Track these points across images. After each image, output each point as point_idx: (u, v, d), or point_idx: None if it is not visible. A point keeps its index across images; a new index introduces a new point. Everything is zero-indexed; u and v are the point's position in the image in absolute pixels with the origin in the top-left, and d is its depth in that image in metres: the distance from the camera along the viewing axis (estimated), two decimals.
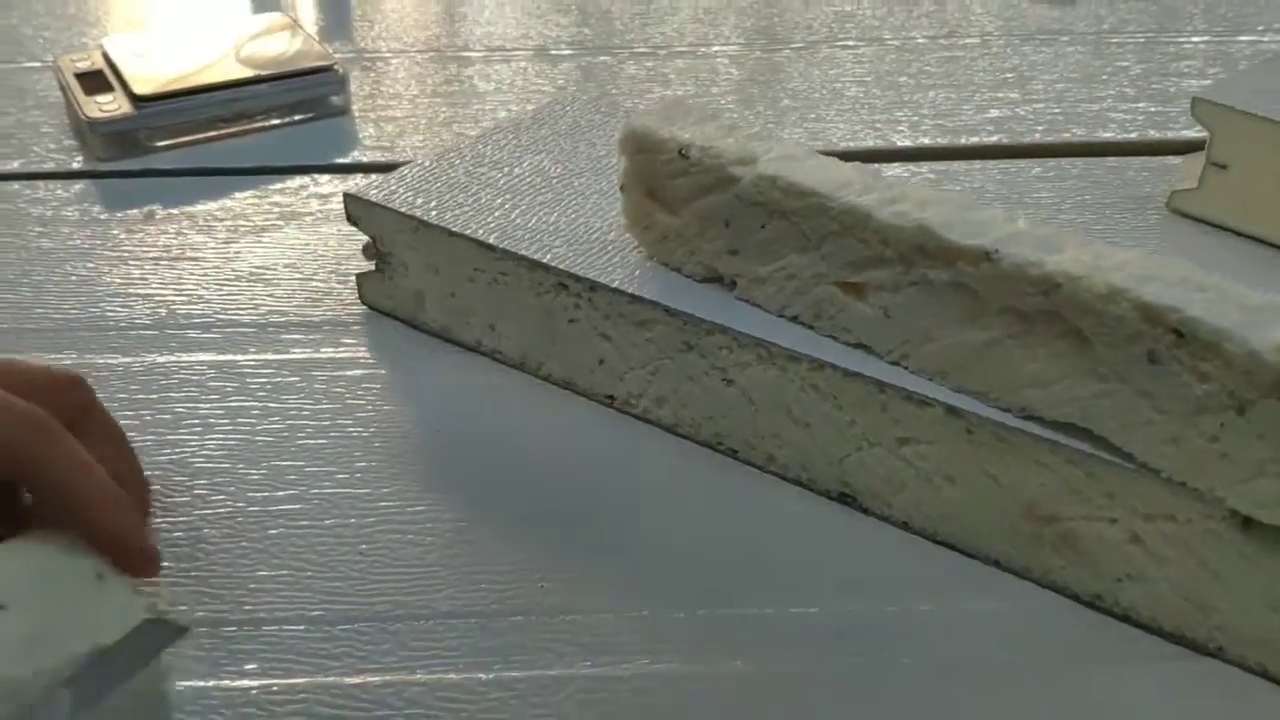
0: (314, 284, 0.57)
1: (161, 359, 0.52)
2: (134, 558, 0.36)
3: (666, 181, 0.46)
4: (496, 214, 0.51)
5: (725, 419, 0.46)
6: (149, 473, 0.45)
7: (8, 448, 0.35)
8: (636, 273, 0.48)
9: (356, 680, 0.37)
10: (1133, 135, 0.71)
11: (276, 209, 0.63)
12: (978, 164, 0.68)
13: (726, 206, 0.44)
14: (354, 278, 0.55)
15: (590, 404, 0.50)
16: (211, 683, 0.37)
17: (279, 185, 0.65)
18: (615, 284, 0.47)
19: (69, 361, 0.51)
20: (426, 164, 0.55)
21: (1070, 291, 0.37)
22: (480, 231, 0.50)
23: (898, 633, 0.39)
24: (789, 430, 0.44)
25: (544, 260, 0.48)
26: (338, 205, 0.63)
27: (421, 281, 0.53)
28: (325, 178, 0.66)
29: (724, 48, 0.82)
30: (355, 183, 0.54)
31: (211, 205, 0.63)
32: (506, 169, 0.55)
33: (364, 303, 0.56)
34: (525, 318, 0.50)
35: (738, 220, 0.44)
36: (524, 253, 0.49)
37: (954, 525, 0.42)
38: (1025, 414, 0.39)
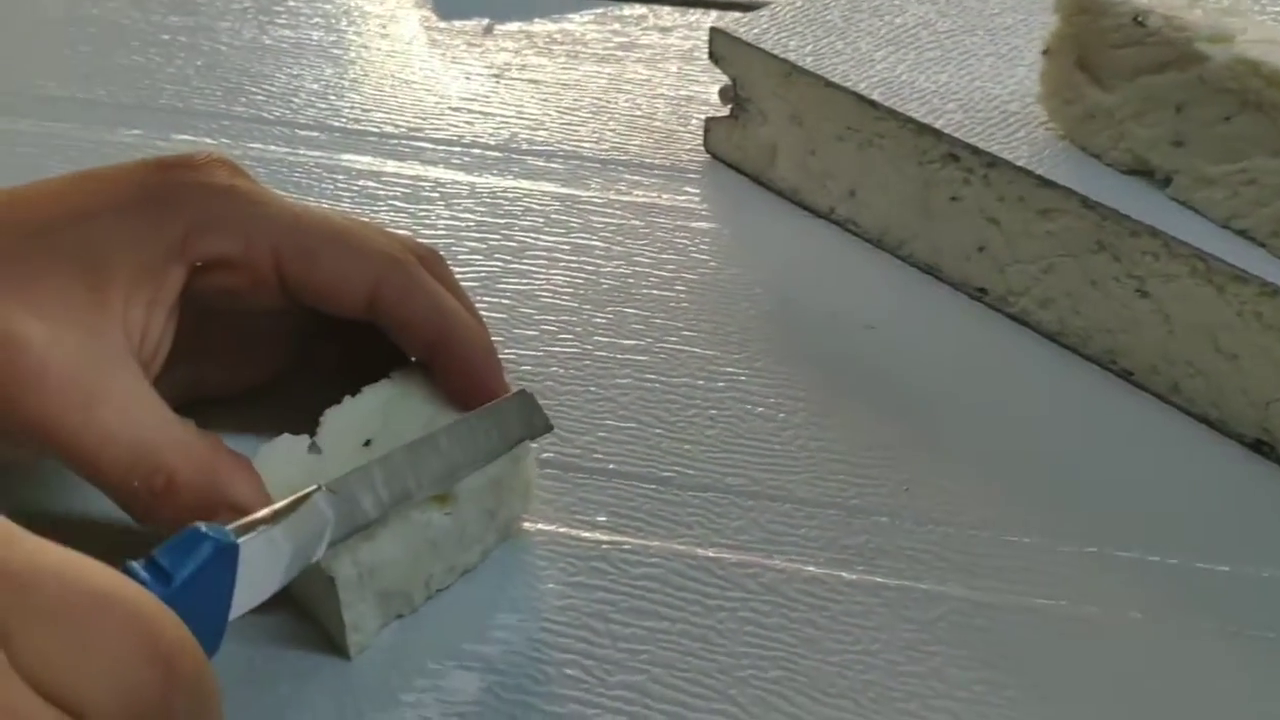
0: (655, 124, 0.54)
1: (505, 183, 0.50)
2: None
3: (1108, 51, 0.40)
4: (879, 67, 0.47)
5: (1128, 335, 0.41)
6: (495, 300, 0.44)
7: (365, 282, 0.33)
8: (1046, 152, 0.43)
9: (711, 553, 0.35)
10: None
11: (616, 38, 0.60)
12: None
13: (1184, 89, 0.38)
14: (698, 121, 0.52)
15: (955, 294, 0.46)
16: (563, 529, 0.36)
17: (618, 13, 0.62)
18: (1021, 162, 0.42)
19: (412, 172, 0.51)
20: (799, 4, 0.51)
21: None
22: (863, 85, 0.46)
23: None
24: (1209, 360, 0.39)
25: (935, 125, 0.44)
26: (678, 41, 0.60)
27: (780, 134, 0.49)
28: (665, 10, 0.63)
29: None
30: (698, 17, 0.51)
31: (550, 26, 0.61)
32: (888, 18, 0.50)
33: (708, 150, 0.53)
34: (897, 188, 0.46)
35: (1194, 107, 0.38)
36: (912, 114, 0.44)
37: None
38: None
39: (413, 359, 0.36)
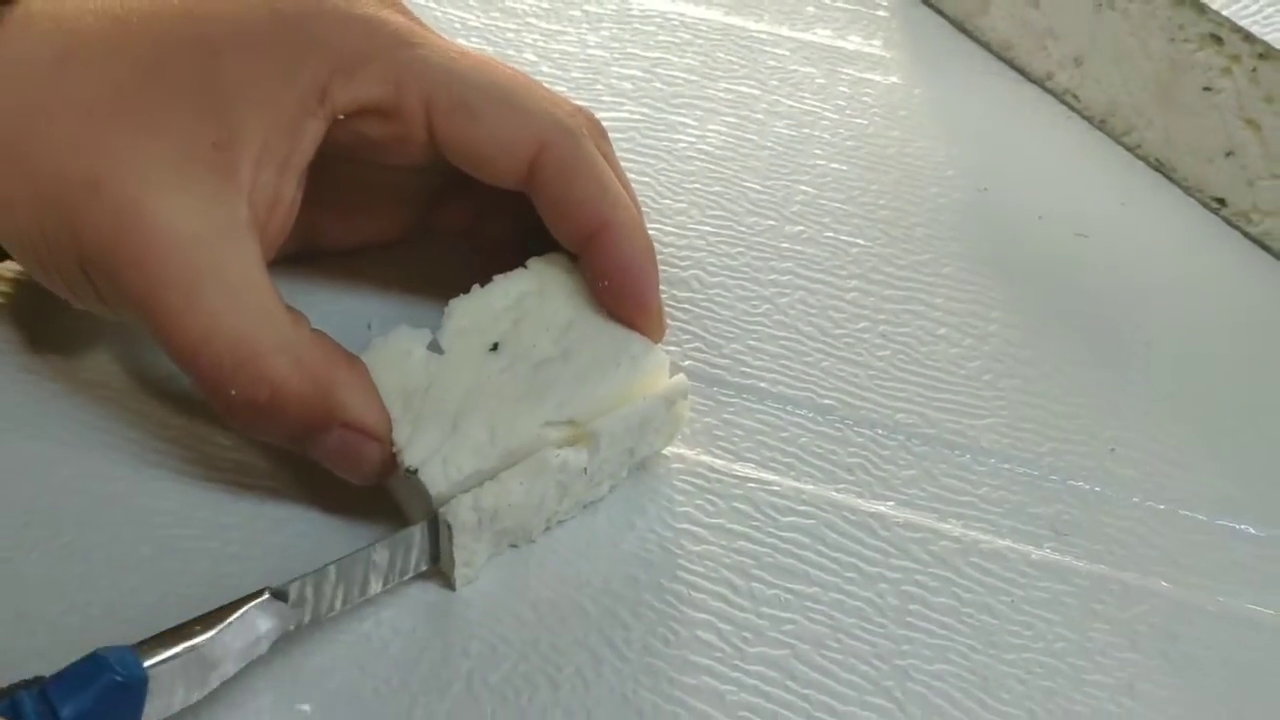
0: None
1: (661, 5, 0.45)
2: (650, 319, 0.31)
3: None
4: None
5: None
6: (638, 159, 0.40)
7: (529, 147, 0.30)
8: None
9: (873, 508, 0.32)
10: None
11: None
12: None
13: None
14: None
15: (1186, 200, 0.41)
16: (703, 456, 0.33)
17: None
18: None
19: None
20: None
21: None
22: None
23: None
24: None
25: None
26: None
27: None
28: None
29: None
30: None
31: None
32: None
33: None
34: (1136, 64, 0.40)
35: None
36: None
37: None
38: None
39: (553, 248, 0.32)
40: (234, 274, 0.27)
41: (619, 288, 0.31)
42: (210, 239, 0.27)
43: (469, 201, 0.33)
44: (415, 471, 0.28)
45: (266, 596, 0.26)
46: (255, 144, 0.27)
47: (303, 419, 0.27)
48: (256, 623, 0.26)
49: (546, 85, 0.32)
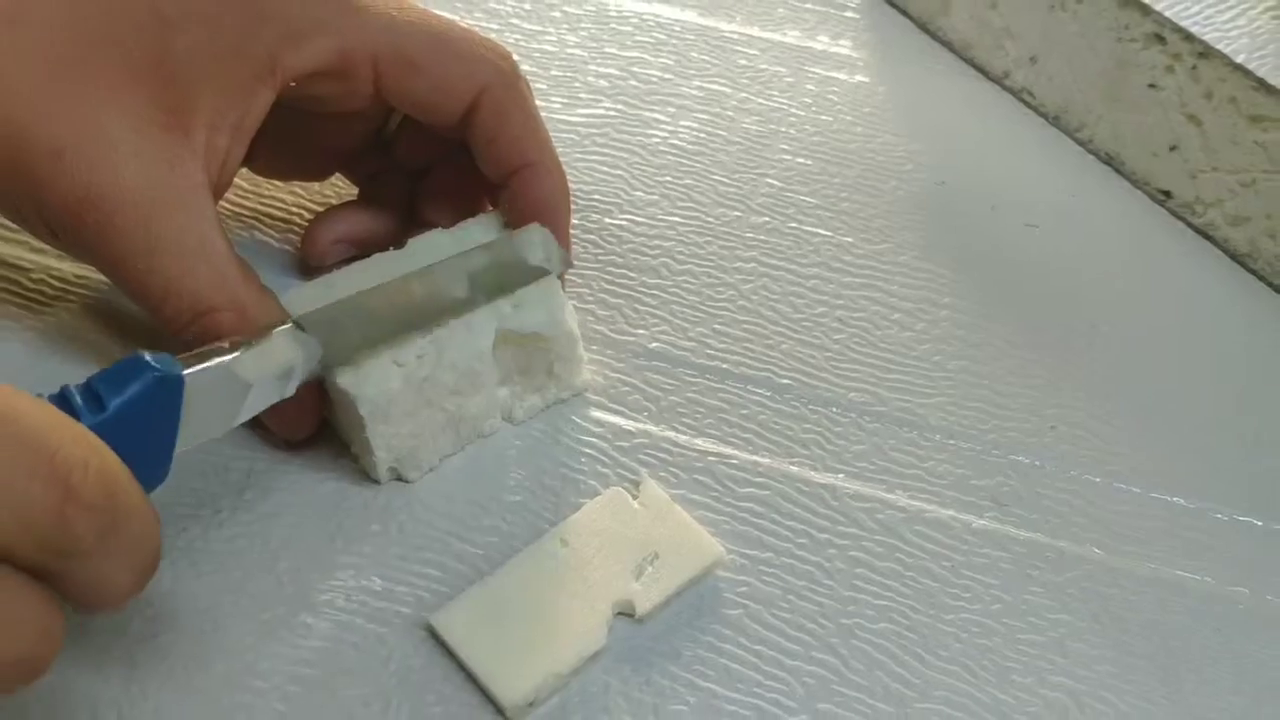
0: None
1: (638, 6, 0.47)
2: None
3: None
4: None
5: None
6: (612, 153, 0.42)
7: (468, 91, 0.32)
8: (1270, 48, 0.38)
9: (825, 479, 0.34)
10: None
11: None
12: None
13: None
14: None
15: (1134, 192, 0.43)
16: (667, 431, 0.35)
17: None
18: (1239, 57, 0.38)
19: None
20: None
21: None
22: None
23: None
24: None
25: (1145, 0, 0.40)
26: None
27: None
28: None
29: None
30: None
31: None
32: None
33: None
34: (1086, 63, 0.42)
35: None
36: None
37: None
38: None
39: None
40: (191, 238, 0.29)
41: (534, 219, 0.33)
42: (169, 206, 0.29)
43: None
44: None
45: (290, 325, 0.28)
46: (209, 112, 0.30)
47: None
48: (284, 350, 0.28)
49: (529, 81, 0.34)
